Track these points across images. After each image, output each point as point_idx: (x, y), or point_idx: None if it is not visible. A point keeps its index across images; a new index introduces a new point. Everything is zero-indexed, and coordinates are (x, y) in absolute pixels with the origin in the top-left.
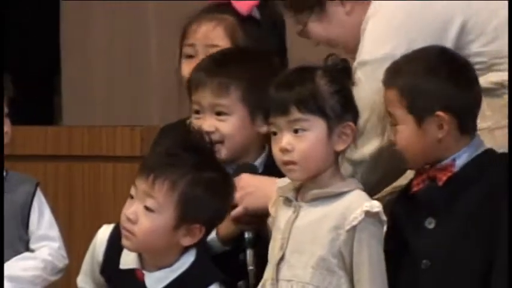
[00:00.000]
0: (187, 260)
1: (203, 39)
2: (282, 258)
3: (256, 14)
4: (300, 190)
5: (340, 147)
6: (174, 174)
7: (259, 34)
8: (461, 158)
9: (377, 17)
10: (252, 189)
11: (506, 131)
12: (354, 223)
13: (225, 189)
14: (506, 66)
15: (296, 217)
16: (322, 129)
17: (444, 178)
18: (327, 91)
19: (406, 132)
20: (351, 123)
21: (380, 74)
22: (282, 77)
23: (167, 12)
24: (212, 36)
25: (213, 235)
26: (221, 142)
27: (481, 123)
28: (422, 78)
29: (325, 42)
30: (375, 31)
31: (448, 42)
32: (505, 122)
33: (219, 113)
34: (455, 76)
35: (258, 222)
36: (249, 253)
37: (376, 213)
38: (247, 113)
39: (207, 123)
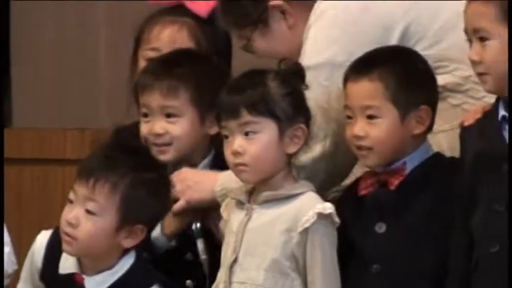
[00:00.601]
0: (127, 262)
1: (169, 42)
2: (235, 261)
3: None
4: (252, 193)
5: (291, 149)
6: (114, 176)
7: (214, 35)
8: (412, 162)
9: (318, 24)
10: (191, 183)
11: (447, 134)
12: (306, 225)
13: (165, 189)
14: (448, 69)
15: (249, 220)
16: (273, 132)
17: (396, 182)
18: (278, 93)
19: (386, 125)
20: (302, 126)
21: (322, 78)
22: (234, 80)
23: (117, 13)
24: (178, 39)
25: (157, 232)
26: (170, 144)
27: None
28: (407, 71)
29: (269, 55)
30: (316, 38)
31: None
32: (447, 125)
33: (168, 115)
34: (431, 71)
35: (202, 214)
36: (200, 242)
37: (329, 215)
38: (196, 114)
39: (157, 125)
